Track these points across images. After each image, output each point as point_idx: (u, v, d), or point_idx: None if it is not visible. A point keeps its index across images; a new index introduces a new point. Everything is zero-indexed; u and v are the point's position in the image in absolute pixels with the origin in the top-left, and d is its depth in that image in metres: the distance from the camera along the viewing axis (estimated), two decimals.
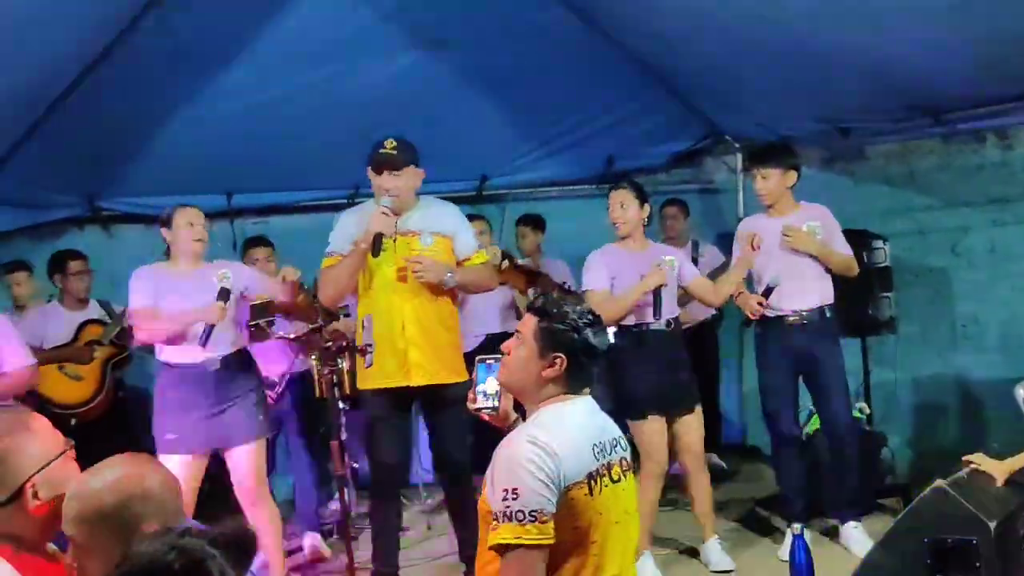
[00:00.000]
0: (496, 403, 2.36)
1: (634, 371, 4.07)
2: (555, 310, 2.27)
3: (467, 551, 3.78)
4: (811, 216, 4.23)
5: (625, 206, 4.14)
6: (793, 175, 4.21)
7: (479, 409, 2.37)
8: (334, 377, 3.69)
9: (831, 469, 4.34)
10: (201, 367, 3.80)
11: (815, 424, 4.59)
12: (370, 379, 3.72)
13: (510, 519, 2.01)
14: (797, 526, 2.73)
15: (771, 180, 4.19)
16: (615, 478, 2.21)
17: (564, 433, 2.15)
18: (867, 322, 4.86)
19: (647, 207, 4.21)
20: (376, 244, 3.61)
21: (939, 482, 2.59)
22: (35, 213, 5.39)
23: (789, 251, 4.18)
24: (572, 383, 2.25)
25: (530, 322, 2.27)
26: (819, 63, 4.32)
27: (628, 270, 4.13)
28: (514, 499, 2.02)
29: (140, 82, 4.75)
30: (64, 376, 4.68)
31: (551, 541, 2.03)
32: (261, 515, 3.85)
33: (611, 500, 2.19)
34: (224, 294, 3.78)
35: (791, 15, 4.00)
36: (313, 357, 4.65)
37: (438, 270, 3.70)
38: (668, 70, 5.40)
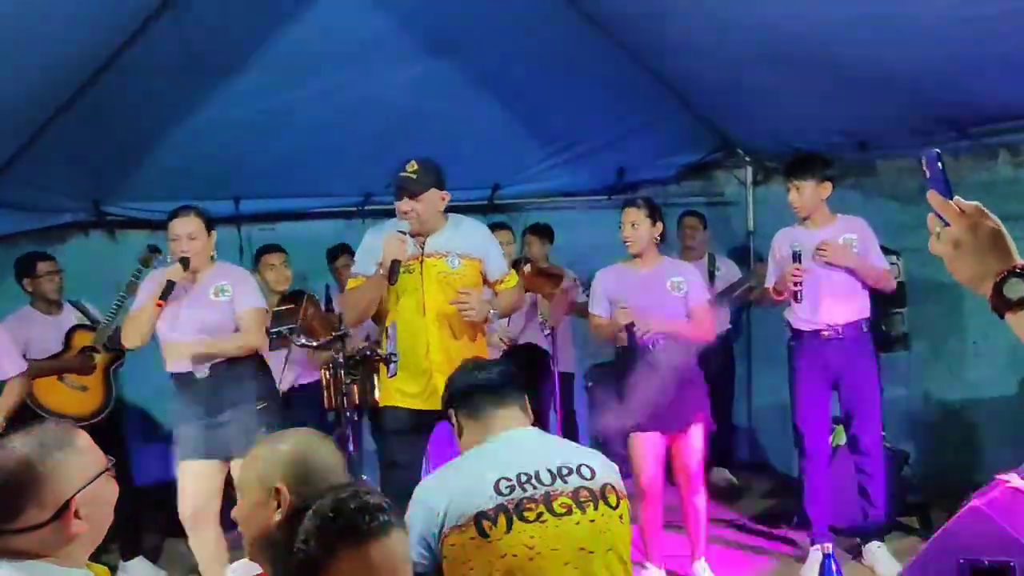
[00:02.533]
0: None
1: (628, 387, 4.02)
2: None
3: None
4: (848, 228, 4.19)
5: (636, 225, 4.10)
6: (828, 186, 4.16)
7: None
8: (344, 388, 3.63)
9: (857, 486, 4.26)
10: (190, 375, 3.77)
11: (838, 438, 4.53)
12: (393, 397, 3.66)
13: None
14: (828, 545, 2.69)
15: (805, 192, 4.14)
16: (559, 511, 2.07)
17: (454, 477, 2.11)
18: (880, 339, 4.81)
19: (659, 225, 4.17)
20: (393, 271, 3.53)
21: (975, 502, 2.54)
22: (41, 217, 5.33)
23: (824, 264, 4.13)
24: (476, 419, 2.24)
25: None
26: (837, 74, 4.29)
27: (634, 290, 4.08)
28: None
29: (149, 86, 4.69)
30: (66, 387, 4.60)
31: None
32: None
33: (551, 537, 2.04)
34: (166, 291, 3.70)
35: (810, 26, 3.97)
36: (324, 368, 4.58)
37: (482, 308, 3.65)
38: (680, 81, 5.37)
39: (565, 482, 2.08)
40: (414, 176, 3.61)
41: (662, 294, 4.08)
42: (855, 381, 4.17)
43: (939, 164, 1.24)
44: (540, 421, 5.25)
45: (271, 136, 5.03)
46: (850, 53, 4.01)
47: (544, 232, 5.65)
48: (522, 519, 2.02)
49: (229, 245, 5.45)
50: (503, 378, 2.26)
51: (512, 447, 2.15)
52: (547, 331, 4.87)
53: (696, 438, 4.10)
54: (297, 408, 4.82)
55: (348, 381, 3.11)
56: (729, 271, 5.68)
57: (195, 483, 3.76)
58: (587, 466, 2.15)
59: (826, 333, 4.15)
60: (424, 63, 4.93)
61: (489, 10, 4.64)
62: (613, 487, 2.17)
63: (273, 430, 3.85)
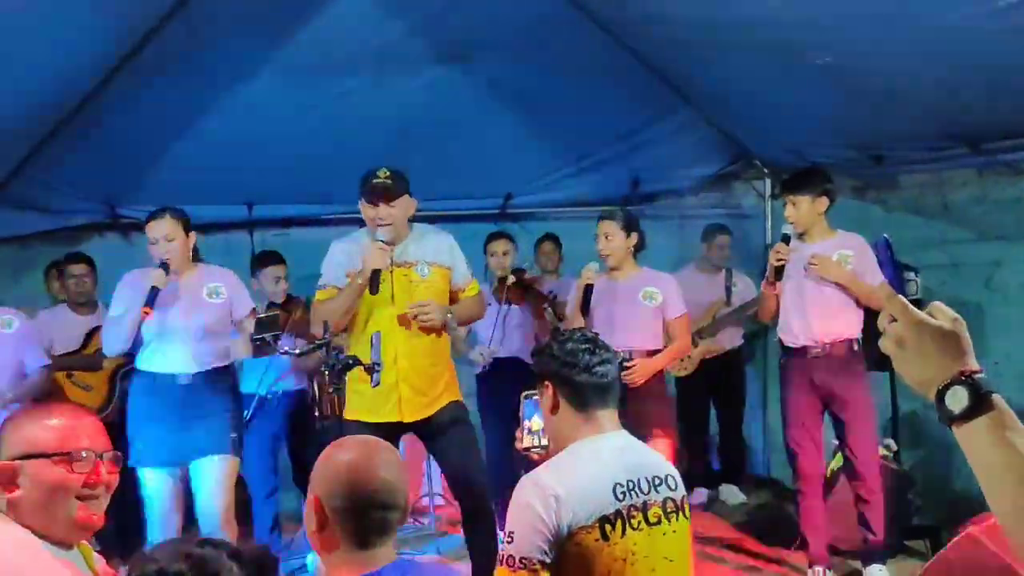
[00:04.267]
0: (545, 441, 2.31)
1: None
2: (539, 346, 2.30)
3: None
4: (845, 245, 4.10)
5: (610, 237, 4.12)
6: (825, 201, 4.08)
7: (528, 449, 2.33)
8: (336, 396, 3.58)
9: (856, 509, 4.14)
10: (172, 378, 3.75)
11: (839, 460, 4.43)
12: (356, 411, 3.56)
13: (503, 563, 1.98)
14: (819, 569, 2.61)
15: (801, 207, 4.07)
16: (652, 520, 2.10)
17: (574, 473, 2.07)
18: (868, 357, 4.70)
19: (634, 236, 4.16)
20: (374, 281, 3.50)
21: (972, 529, 2.46)
22: (55, 218, 5.37)
23: (816, 280, 4.06)
24: (578, 410, 2.17)
25: None
26: (853, 88, 4.22)
27: (606, 299, 4.11)
28: (510, 543, 1.98)
29: (163, 89, 4.72)
30: (73, 385, 4.65)
31: None
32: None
33: (645, 545, 2.08)
34: (151, 297, 3.66)
35: (828, 39, 3.90)
36: (319, 375, 4.55)
37: (441, 312, 3.62)
38: (698, 92, 5.32)
39: (657, 492, 2.14)
40: (389, 181, 3.57)
41: (634, 304, 4.11)
42: (845, 401, 4.06)
43: (889, 250, 1.14)
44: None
45: (284, 141, 5.03)
46: (868, 66, 3.95)
47: (558, 240, 5.61)
48: (630, 526, 2.07)
49: (241, 250, 5.47)
50: (613, 379, 2.25)
51: (616, 452, 2.17)
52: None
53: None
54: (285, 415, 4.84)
55: (331, 390, 3.06)
56: (746, 288, 5.60)
57: (163, 491, 3.73)
58: (672, 476, 2.21)
59: (815, 350, 4.07)
60: (437, 71, 4.92)
61: (503, 18, 4.62)
62: (687, 500, 2.23)
63: (240, 440, 3.87)
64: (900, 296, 1.11)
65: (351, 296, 3.59)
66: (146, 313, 3.68)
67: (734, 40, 4.31)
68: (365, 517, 1.65)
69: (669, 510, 2.14)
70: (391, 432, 3.57)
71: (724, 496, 5.58)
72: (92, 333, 4.74)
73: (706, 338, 5.48)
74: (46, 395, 4.23)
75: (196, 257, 4.00)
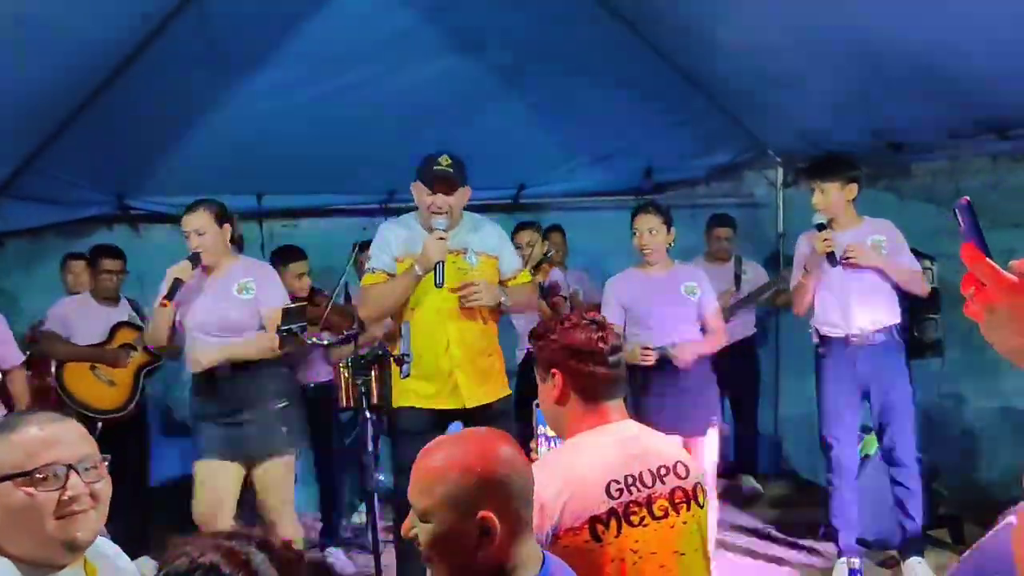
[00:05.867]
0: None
1: (642, 390, 3.95)
2: (539, 330, 2.16)
3: None
4: (875, 230, 4.07)
5: (654, 232, 4.03)
6: (854, 188, 4.04)
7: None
8: (362, 387, 3.56)
9: (891, 499, 4.12)
10: (211, 373, 3.72)
11: (868, 447, 4.41)
12: (408, 397, 3.55)
13: None
14: (855, 560, 2.59)
15: (829, 194, 4.01)
16: (658, 514, 2.02)
17: (563, 476, 1.97)
18: (912, 345, 4.68)
19: (673, 231, 4.10)
20: (438, 273, 3.47)
21: (1010, 518, 2.44)
22: (64, 210, 5.34)
23: (852, 267, 4.01)
24: (587, 402, 2.08)
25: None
26: (872, 74, 4.18)
27: (647, 295, 4.03)
28: None
29: (173, 80, 4.70)
30: (96, 379, 4.62)
31: None
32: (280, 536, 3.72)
33: (651, 541, 2.00)
34: (172, 290, 3.64)
35: (844, 24, 3.86)
36: (341, 365, 4.55)
37: (492, 293, 3.57)
38: (710, 81, 5.28)
39: (663, 483, 2.05)
40: (451, 170, 3.53)
41: (676, 299, 4.03)
42: (887, 390, 4.03)
43: (972, 215, 1.08)
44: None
45: (294, 132, 4.99)
46: (887, 52, 3.91)
47: (564, 232, 5.60)
48: (628, 523, 1.99)
49: (251, 241, 5.41)
50: (621, 370, 2.16)
51: (619, 445, 2.08)
52: None
53: (712, 441, 4.02)
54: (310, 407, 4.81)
55: (360, 381, 3.03)
56: (756, 274, 5.58)
57: (211, 482, 3.69)
58: (682, 463, 2.12)
59: (856, 340, 4.02)
60: (450, 59, 4.88)
61: (516, 6, 4.59)
62: (702, 485, 2.14)
63: (293, 432, 3.81)
64: (988, 259, 1.06)
65: (407, 284, 3.54)
66: (163, 305, 3.66)
67: (747, 28, 4.28)
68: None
69: (678, 501, 2.07)
70: (441, 420, 3.55)
71: (740, 487, 5.57)
72: (117, 327, 4.72)
73: None
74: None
75: (240, 249, 3.95)
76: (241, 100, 4.87)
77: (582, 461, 2.02)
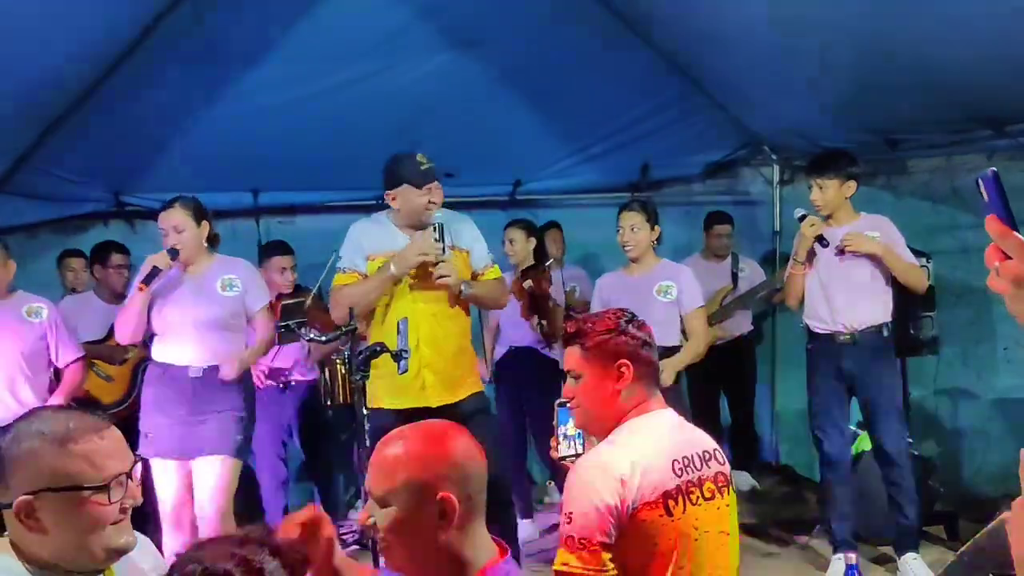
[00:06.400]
0: (579, 449, 2.30)
1: None
2: (589, 325, 2.20)
3: None
4: (872, 226, 4.06)
5: (636, 229, 4.05)
6: (852, 185, 4.04)
7: (563, 458, 2.30)
8: (360, 384, 3.54)
9: (885, 496, 4.12)
10: (183, 370, 3.71)
11: (860, 445, 4.43)
12: (379, 399, 3.50)
13: (563, 544, 1.95)
14: (852, 556, 2.60)
15: (829, 190, 4.01)
16: (707, 495, 2.10)
17: (636, 451, 2.05)
18: (908, 342, 4.69)
19: (657, 229, 4.11)
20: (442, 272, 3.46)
21: (1005, 514, 2.44)
22: (60, 207, 5.33)
23: (845, 264, 4.01)
24: (645, 386, 2.16)
25: (572, 352, 2.19)
26: (869, 69, 4.18)
27: (621, 296, 4.01)
28: (567, 523, 1.96)
29: (169, 77, 4.70)
30: (95, 374, 4.62)
31: (605, 570, 1.94)
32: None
33: (707, 520, 2.09)
34: (149, 276, 3.64)
35: (840, 20, 3.86)
36: (338, 361, 4.54)
37: (456, 278, 3.53)
38: (707, 77, 5.28)
39: (708, 467, 2.14)
40: (432, 166, 3.55)
41: (648, 301, 4.00)
42: (875, 388, 4.02)
43: (998, 186, 1.06)
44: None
45: (290, 129, 4.98)
46: (884, 48, 3.91)
47: (562, 228, 5.59)
48: (689, 501, 2.07)
49: (247, 238, 5.44)
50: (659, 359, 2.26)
51: (672, 429, 2.18)
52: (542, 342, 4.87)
53: None
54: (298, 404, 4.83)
55: (359, 377, 3.02)
56: (753, 272, 5.59)
57: (173, 482, 3.70)
58: (718, 451, 2.21)
59: (844, 336, 4.02)
60: (446, 56, 4.88)
61: (511, 3, 4.59)
62: (731, 474, 2.24)
63: (246, 442, 3.81)
64: (1015, 232, 1.05)
65: (383, 284, 3.52)
66: (140, 290, 3.65)
67: (743, 25, 4.28)
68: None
69: (720, 484, 2.15)
70: (416, 419, 3.50)
71: (736, 483, 5.57)
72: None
73: (714, 325, 5.46)
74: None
75: (214, 247, 3.94)
76: (237, 97, 4.86)
77: (648, 440, 2.10)
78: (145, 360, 4.68)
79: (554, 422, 2.31)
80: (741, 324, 5.59)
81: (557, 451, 2.30)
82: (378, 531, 1.58)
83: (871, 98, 4.51)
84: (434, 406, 3.53)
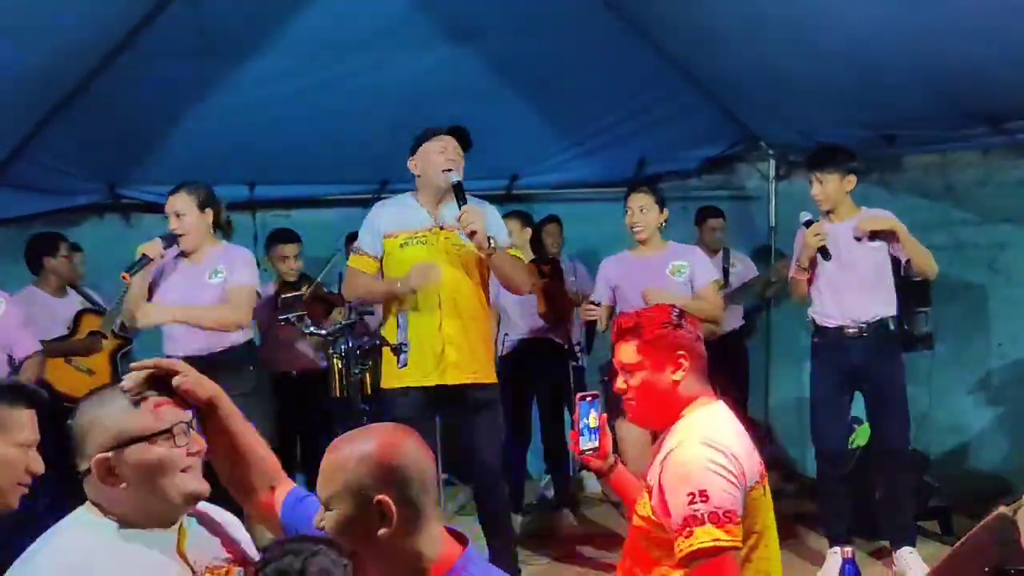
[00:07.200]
0: (596, 442, 2.31)
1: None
2: (646, 319, 2.22)
3: (499, 561, 3.63)
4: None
5: (645, 211, 4.06)
6: (852, 179, 4.03)
7: (584, 452, 2.31)
8: (357, 378, 3.55)
9: (883, 490, 4.15)
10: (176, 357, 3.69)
11: (860, 438, 4.43)
12: (401, 378, 3.50)
13: (704, 522, 1.93)
14: (848, 549, 2.61)
15: (829, 185, 4.01)
16: (765, 486, 2.18)
17: (731, 434, 2.10)
18: (903, 338, 4.69)
19: (666, 211, 4.12)
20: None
21: (1002, 509, 2.45)
22: (55, 199, 5.32)
23: (852, 259, 4.01)
24: (700, 379, 2.20)
25: (628, 347, 2.21)
26: (866, 65, 4.17)
27: (635, 277, 4.04)
28: (703, 501, 1.94)
29: (164, 69, 4.67)
30: (75, 370, 4.60)
31: (741, 545, 1.99)
32: None
33: (771, 506, 2.18)
34: (135, 264, 3.61)
35: (838, 16, 3.87)
36: (335, 355, 4.53)
37: (484, 233, 3.45)
38: (703, 73, 5.27)
39: (760, 456, 2.21)
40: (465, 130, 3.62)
41: (662, 280, 4.04)
42: (880, 382, 4.02)
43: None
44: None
45: (286, 122, 4.98)
46: (880, 43, 3.91)
47: (560, 222, 5.60)
48: (763, 486, 2.15)
49: (243, 231, 5.38)
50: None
51: (734, 419, 2.21)
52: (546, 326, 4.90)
53: None
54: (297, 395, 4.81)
55: (358, 371, 3.02)
56: (745, 268, 5.59)
57: None
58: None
59: (851, 330, 4.01)
60: (442, 50, 4.87)
61: None
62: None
63: (252, 420, 3.80)
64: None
65: (385, 292, 3.57)
66: (124, 279, 3.62)
67: (741, 20, 4.28)
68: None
69: (767, 478, 2.21)
70: (430, 401, 3.55)
71: None
72: (80, 316, 4.68)
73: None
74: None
75: (226, 235, 3.92)
76: (233, 89, 4.85)
77: (732, 426, 2.15)
78: (122, 347, 4.70)
79: (576, 415, 2.32)
80: (731, 320, 5.58)
81: (578, 445, 2.31)
82: (326, 533, 1.63)
83: (865, 94, 4.51)
84: (449, 384, 3.54)
